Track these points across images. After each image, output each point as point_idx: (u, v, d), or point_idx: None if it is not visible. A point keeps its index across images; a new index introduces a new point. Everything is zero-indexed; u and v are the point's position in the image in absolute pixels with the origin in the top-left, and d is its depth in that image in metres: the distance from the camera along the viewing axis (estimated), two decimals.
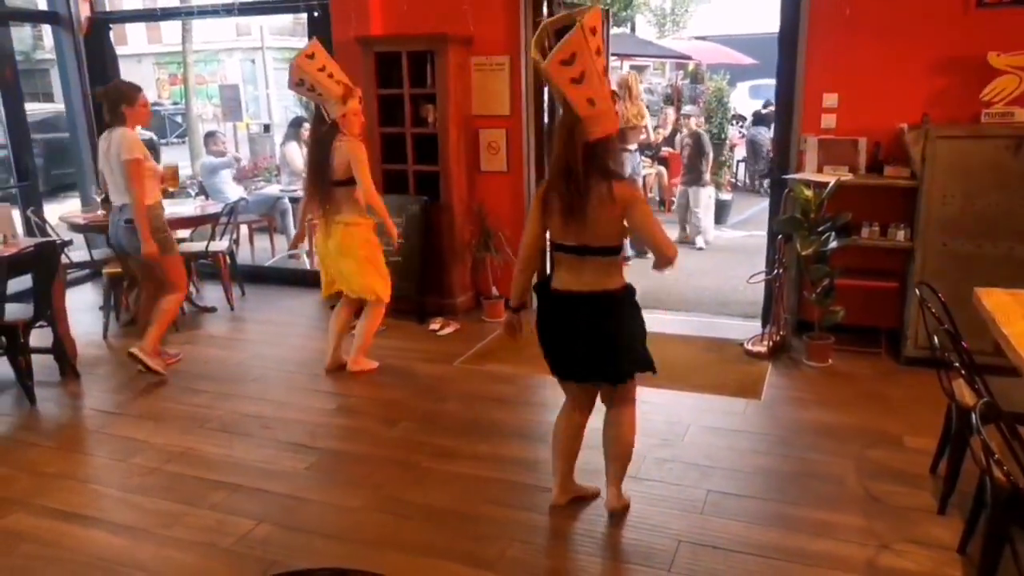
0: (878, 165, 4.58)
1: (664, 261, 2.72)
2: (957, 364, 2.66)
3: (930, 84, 4.48)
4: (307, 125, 7.99)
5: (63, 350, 4.66)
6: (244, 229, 7.52)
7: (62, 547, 2.97)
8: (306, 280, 6.65)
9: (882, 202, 4.57)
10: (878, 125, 4.61)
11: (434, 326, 5.41)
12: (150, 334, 4.58)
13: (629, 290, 2.86)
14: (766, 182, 11.33)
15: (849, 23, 4.57)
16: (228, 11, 6.21)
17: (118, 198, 4.47)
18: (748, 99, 13.50)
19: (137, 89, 4.45)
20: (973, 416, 2.10)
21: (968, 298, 3.16)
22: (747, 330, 5.14)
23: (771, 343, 4.75)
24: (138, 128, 4.50)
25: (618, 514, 3.06)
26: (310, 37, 6.00)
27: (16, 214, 6.07)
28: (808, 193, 4.39)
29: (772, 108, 11.34)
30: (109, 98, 4.37)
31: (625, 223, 2.75)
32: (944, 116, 4.37)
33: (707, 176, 8.38)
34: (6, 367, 4.37)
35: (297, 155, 7.86)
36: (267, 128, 12.50)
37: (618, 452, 3.02)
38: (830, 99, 4.70)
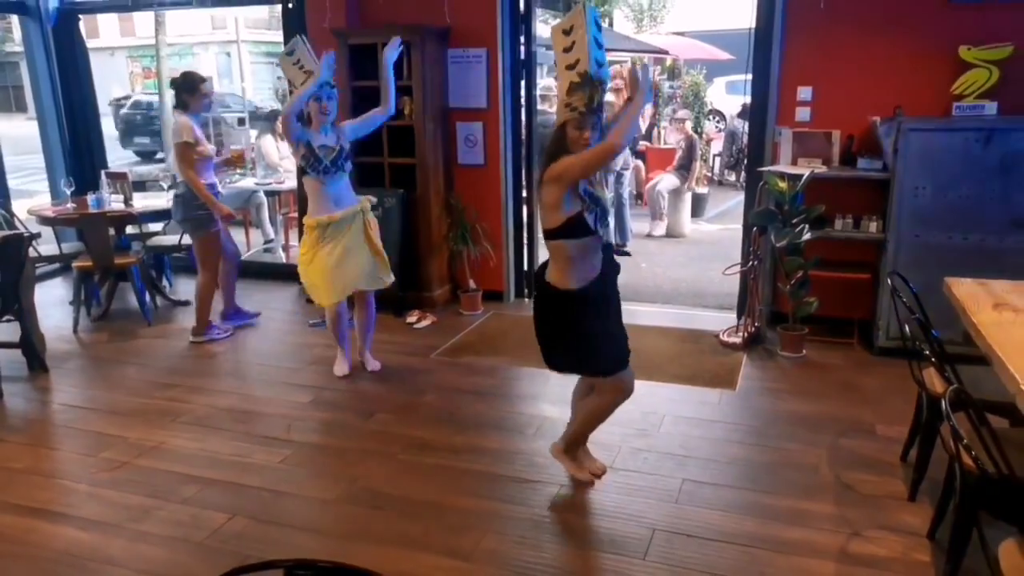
0: (851, 158, 4.63)
1: (617, 152, 2.82)
2: (928, 353, 2.69)
3: (903, 78, 4.52)
4: None
5: (31, 344, 4.58)
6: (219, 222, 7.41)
7: (29, 543, 2.92)
8: (281, 274, 6.59)
9: (855, 194, 4.62)
10: (852, 118, 4.65)
11: (411, 319, 5.39)
12: (197, 319, 5.11)
13: (568, 295, 2.83)
14: (734, 175, 11.44)
15: (824, 17, 4.61)
16: (201, 2, 6.12)
17: (178, 175, 4.90)
18: (725, 94, 13.57)
19: (201, 80, 4.88)
20: (943, 403, 2.12)
21: (939, 288, 3.20)
22: (722, 321, 5.17)
23: (746, 334, 4.78)
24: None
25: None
26: (285, 29, 5.96)
27: None
28: (782, 185, 4.42)
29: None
30: (177, 85, 4.84)
31: (574, 191, 2.77)
32: (916, 109, 4.42)
33: (692, 179, 8.47)
34: None
35: (272, 148, 7.78)
36: (242, 122, 12.36)
37: (579, 416, 3.18)
38: (805, 92, 4.74)
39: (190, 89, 4.78)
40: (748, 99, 11.90)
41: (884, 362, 4.46)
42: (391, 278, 4.49)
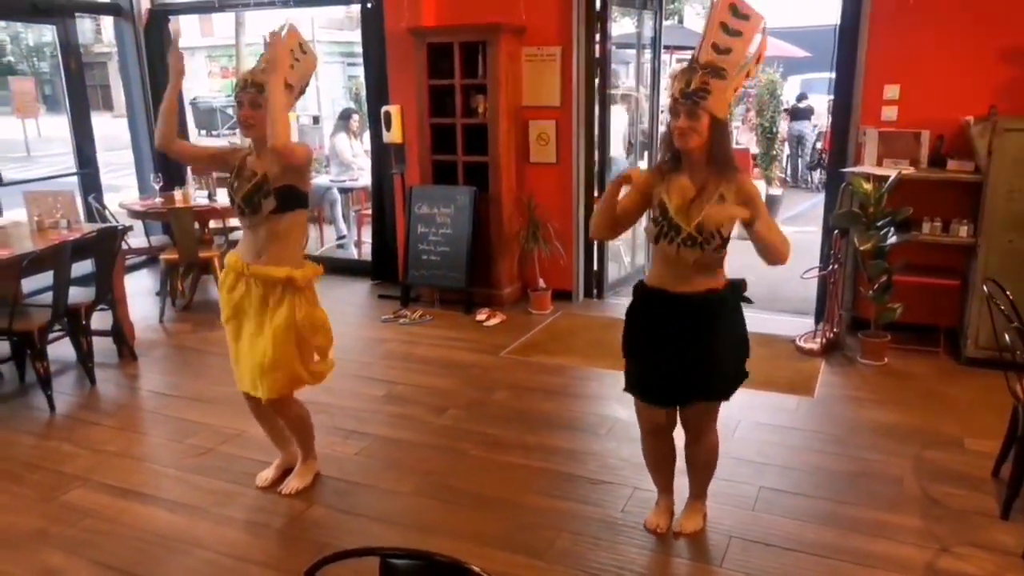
0: (941, 159, 4.45)
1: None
2: None
3: (999, 74, 4.32)
4: (356, 117, 8.10)
5: (122, 333, 4.79)
6: None
7: (121, 523, 3.06)
8: (354, 270, 6.73)
9: (944, 197, 4.44)
10: (942, 117, 4.47)
11: (480, 316, 5.42)
12: None
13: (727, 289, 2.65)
14: (816, 176, 11.11)
15: (913, 12, 4.44)
16: (283, 3, 6.29)
17: None
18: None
19: None
20: None
21: None
22: (798, 326, 5.04)
23: (824, 340, 4.65)
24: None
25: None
26: (364, 30, 6.08)
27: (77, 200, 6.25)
28: (867, 187, 4.28)
29: (807, 101, 11.12)
30: None
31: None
32: (1013, 108, 4.22)
33: None
34: (69, 348, 4.52)
35: (346, 146, 7.95)
36: (316, 120, 12.65)
37: (704, 471, 2.93)
38: (891, 90, 4.58)
39: None
40: (796, 98, 11.49)
41: (972, 372, 4.27)
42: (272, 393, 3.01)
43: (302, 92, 3.02)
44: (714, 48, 2.40)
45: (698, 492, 2.95)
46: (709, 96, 2.37)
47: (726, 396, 2.70)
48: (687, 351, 2.58)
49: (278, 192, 2.85)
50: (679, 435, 2.85)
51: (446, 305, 5.66)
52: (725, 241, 2.49)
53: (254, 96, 2.82)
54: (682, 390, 2.66)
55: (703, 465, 2.88)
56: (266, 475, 3.33)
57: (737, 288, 2.65)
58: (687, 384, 2.64)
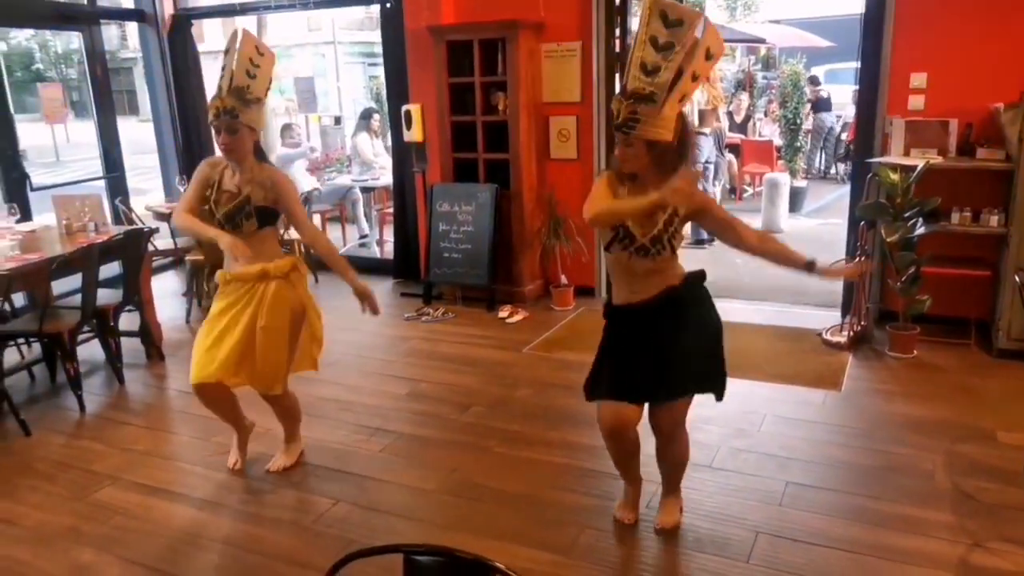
0: (970, 147, 4.37)
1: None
2: None
3: None
4: (376, 116, 8.14)
5: (149, 333, 4.86)
6: (317, 218, 7.69)
7: (151, 520, 3.10)
8: (376, 268, 6.76)
9: (974, 186, 4.36)
10: (970, 105, 4.39)
11: (503, 313, 5.42)
12: None
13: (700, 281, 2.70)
14: (842, 167, 10.95)
15: None
16: (304, 5, 6.33)
17: None
18: (824, 84, 13.03)
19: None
20: None
21: None
22: (825, 320, 4.98)
23: (851, 333, 4.58)
24: None
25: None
26: (383, 30, 6.10)
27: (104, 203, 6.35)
28: (894, 177, 4.21)
29: (820, 89, 10.96)
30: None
31: None
32: None
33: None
34: (97, 349, 4.59)
35: (367, 145, 8.00)
36: (338, 120, 12.73)
37: (676, 469, 2.93)
38: (918, 79, 4.50)
39: None
40: (822, 91, 11.21)
41: (1004, 365, 4.19)
42: (276, 389, 3.28)
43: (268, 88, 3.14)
44: (642, 69, 2.34)
45: (671, 488, 2.93)
46: (639, 124, 2.38)
47: (705, 392, 2.68)
48: (655, 352, 2.59)
49: (258, 212, 3.10)
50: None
51: (468, 302, 5.67)
52: (674, 251, 2.58)
53: (229, 123, 2.99)
54: (654, 388, 2.64)
55: (676, 465, 2.87)
56: (233, 459, 3.50)
57: (696, 279, 2.66)
58: (659, 383, 2.62)
